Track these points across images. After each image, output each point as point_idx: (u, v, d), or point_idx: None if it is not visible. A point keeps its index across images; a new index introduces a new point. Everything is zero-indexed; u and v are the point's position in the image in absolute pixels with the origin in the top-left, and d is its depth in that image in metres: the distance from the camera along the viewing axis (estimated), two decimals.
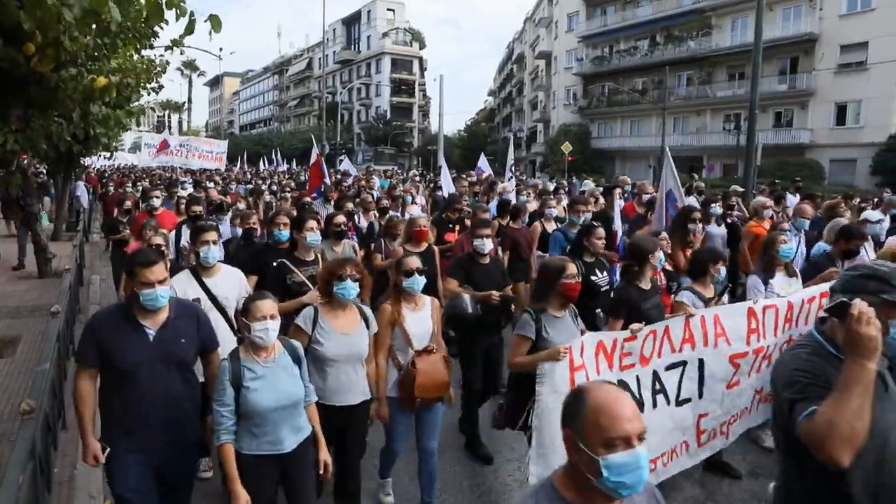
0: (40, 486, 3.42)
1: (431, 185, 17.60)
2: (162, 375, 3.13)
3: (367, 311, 3.93)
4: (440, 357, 4.02)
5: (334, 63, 78.05)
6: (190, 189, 14.67)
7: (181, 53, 8.21)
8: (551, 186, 14.25)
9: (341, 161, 29.17)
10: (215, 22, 4.31)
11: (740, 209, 9.16)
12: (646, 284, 4.52)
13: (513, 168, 15.59)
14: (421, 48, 76.40)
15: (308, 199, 9.92)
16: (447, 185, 13.16)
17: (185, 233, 6.71)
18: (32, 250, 11.51)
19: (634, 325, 3.91)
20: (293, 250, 5.08)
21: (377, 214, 8.93)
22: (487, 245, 5.28)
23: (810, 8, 34.14)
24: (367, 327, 3.86)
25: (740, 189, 11.22)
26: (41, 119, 8.48)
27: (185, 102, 75.87)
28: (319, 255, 5.17)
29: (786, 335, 4.37)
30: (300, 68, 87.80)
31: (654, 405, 3.94)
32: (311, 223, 5.04)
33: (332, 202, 9.65)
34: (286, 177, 23.83)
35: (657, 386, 3.97)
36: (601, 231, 5.47)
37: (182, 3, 4.44)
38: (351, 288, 3.72)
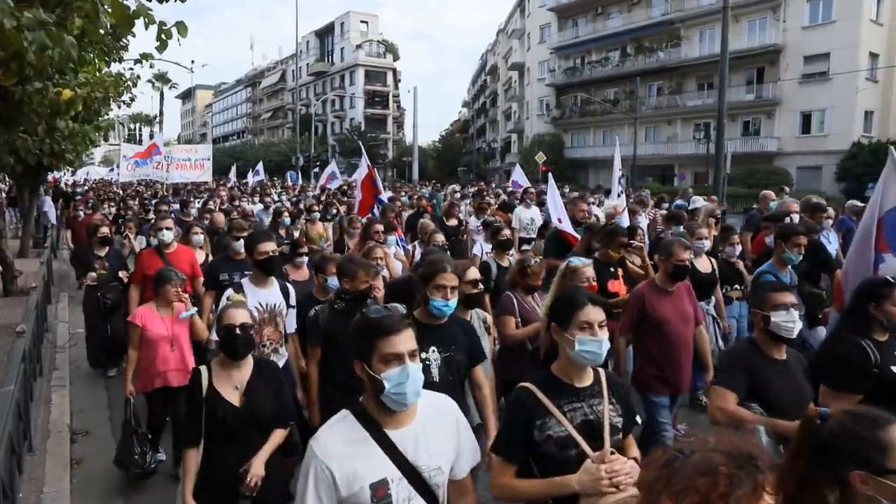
0: None
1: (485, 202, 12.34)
2: None
3: None
4: None
5: (308, 75, 77.83)
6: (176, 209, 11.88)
7: (150, 67, 8.10)
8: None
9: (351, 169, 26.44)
10: (182, 28, 4.33)
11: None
12: None
13: (622, 180, 11.05)
14: (395, 60, 76.61)
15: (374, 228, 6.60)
16: (556, 211, 7.84)
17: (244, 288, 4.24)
18: None
19: None
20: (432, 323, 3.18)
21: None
22: (795, 325, 2.95)
23: (774, 20, 35.12)
24: None
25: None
26: (6, 134, 8.30)
27: (156, 115, 74.77)
28: (598, 377, 2.43)
29: None
30: (273, 80, 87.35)
31: None
32: (595, 314, 2.34)
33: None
34: (307, 194, 19.38)
35: None
36: None
37: (150, 12, 4.41)
38: None
